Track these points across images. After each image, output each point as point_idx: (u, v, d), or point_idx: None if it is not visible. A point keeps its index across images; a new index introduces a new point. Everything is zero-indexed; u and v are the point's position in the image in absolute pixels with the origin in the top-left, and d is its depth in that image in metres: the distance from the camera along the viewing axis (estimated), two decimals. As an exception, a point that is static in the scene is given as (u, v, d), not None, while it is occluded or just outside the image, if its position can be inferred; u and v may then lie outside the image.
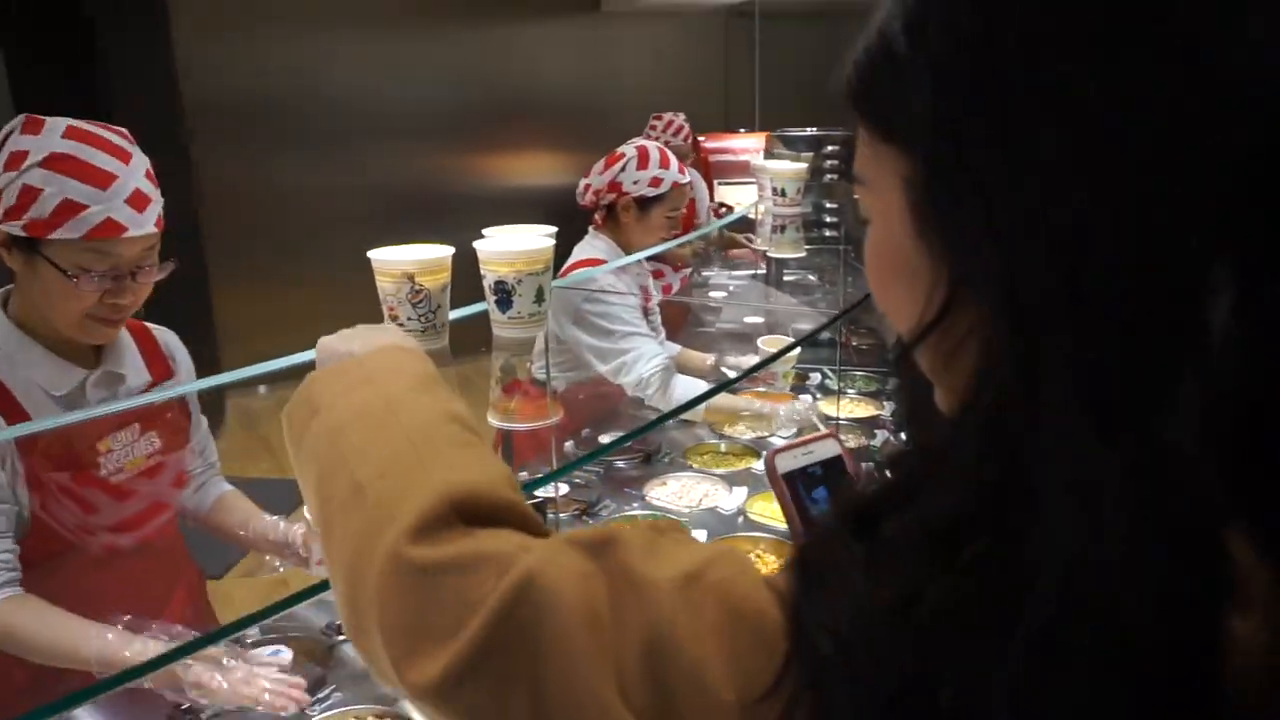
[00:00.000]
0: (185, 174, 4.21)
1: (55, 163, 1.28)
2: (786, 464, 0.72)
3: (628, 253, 2.38)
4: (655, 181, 2.35)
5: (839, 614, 0.44)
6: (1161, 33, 0.40)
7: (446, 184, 6.19)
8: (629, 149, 2.43)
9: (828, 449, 0.75)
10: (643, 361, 2.21)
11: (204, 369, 1.68)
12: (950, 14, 0.45)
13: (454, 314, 1.40)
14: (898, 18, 0.48)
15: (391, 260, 1.28)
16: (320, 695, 1.42)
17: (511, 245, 1.35)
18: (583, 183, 2.48)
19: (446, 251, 1.32)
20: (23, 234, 1.30)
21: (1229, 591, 0.38)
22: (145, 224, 1.34)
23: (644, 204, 2.34)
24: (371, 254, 1.30)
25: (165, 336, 1.63)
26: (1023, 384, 0.41)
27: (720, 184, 4.90)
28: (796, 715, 0.44)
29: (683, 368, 2.57)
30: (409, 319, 1.30)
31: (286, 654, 1.46)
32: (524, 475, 2.13)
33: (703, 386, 2.34)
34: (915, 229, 0.47)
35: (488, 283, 1.38)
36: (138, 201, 1.33)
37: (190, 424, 1.63)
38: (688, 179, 2.46)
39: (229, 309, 5.15)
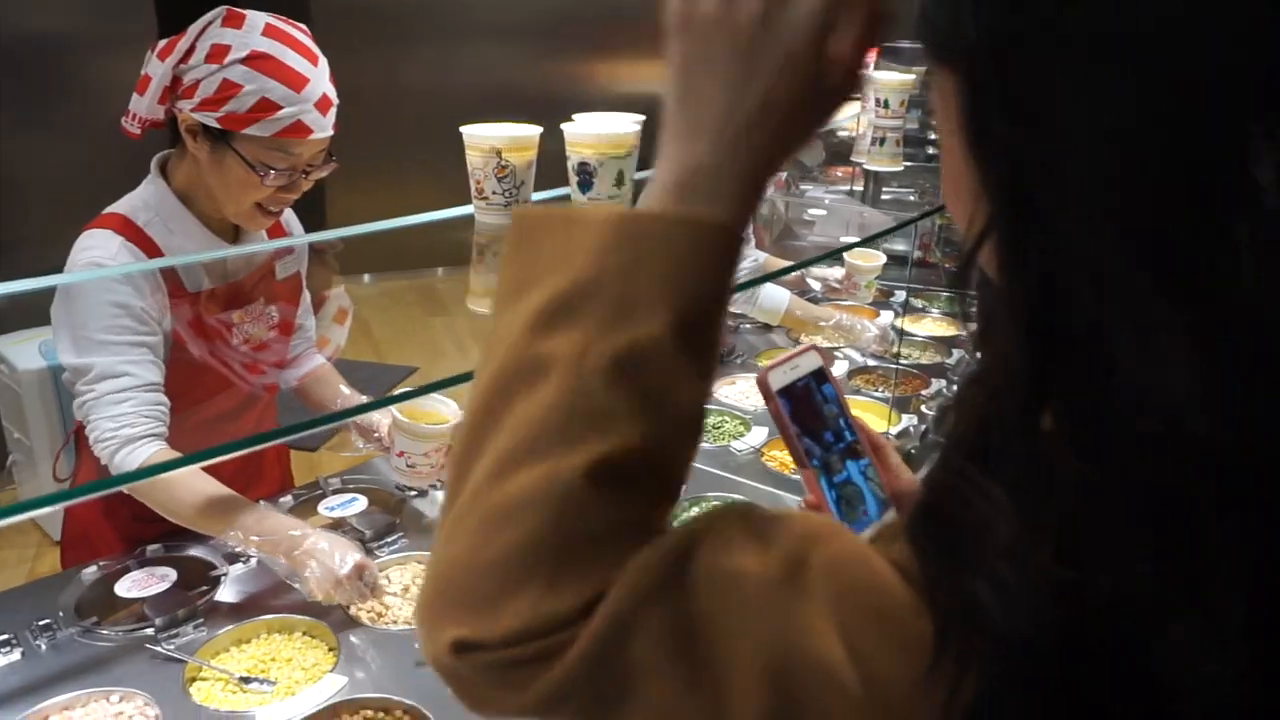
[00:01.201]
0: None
1: (257, 60, 1.32)
2: (779, 380, 0.75)
3: None
4: None
5: (994, 562, 0.43)
6: None
7: (553, 82, 6.20)
8: None
9: (811, 361, 0.78)
10: None
11: (339, 255, 1.77)
12: None
13: (540, 194, 1.46)
14: None
15: (481, 135, 1.34)
16: (388, 540, 1.54)
17: (595, 128, 1.38)
18: None
19: (534, 130, 1.37)
20: (216, 125, 1.34)
21: None
22: (327, 127, 1.40)
23: None
24: (464, 129, 1.36)
25: (285, 213, 1.67)
26: (1089, 269, 0.43)
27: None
28: (957, 699, 0.43)
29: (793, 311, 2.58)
30: (494, 193, 1.36)
31: (361, 501, 1.59)
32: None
33: (787, 295, 2.35)
34: (968, 142, 0.49)
35: (571, 164, 1.43)
36: (324, 105, 1.39)
37: (300, 298, 1.70)
38: None
39: (340, 203, 5.33)
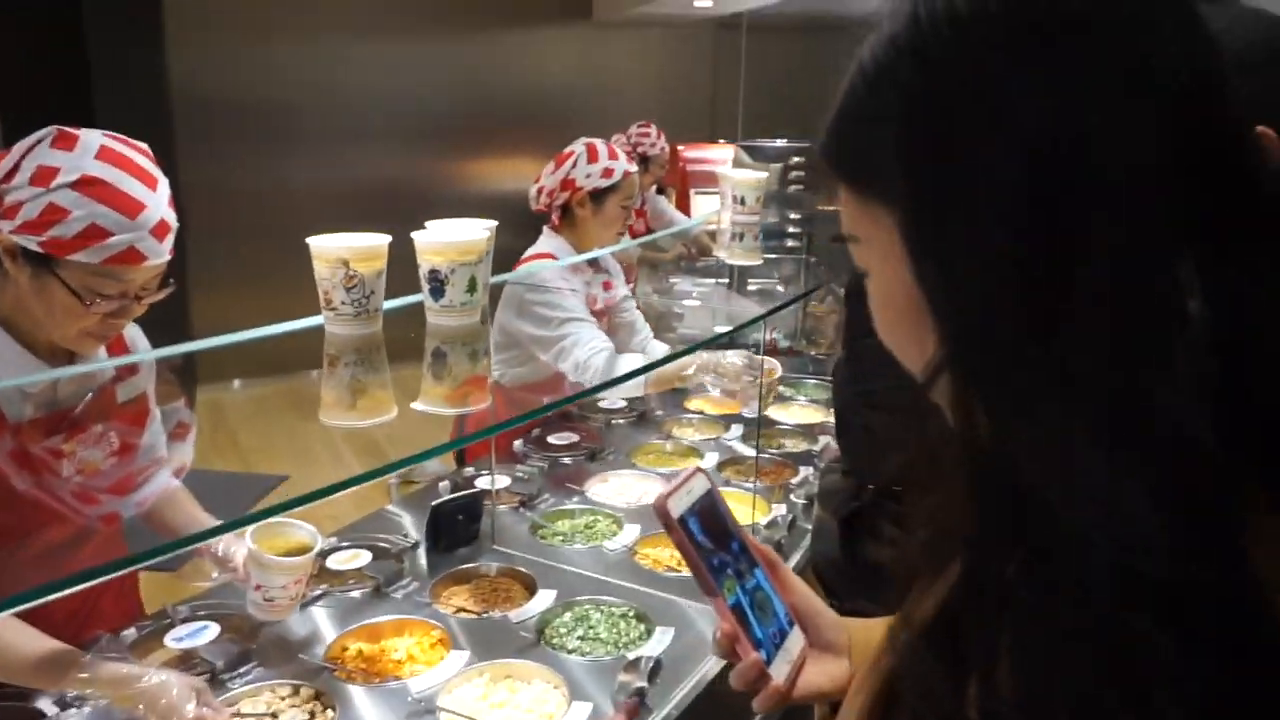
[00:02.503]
0: (170, 174, 4.25)
1: (87, 186, 1.25)
2: (678, 508, 0.74)
3: (581, 250, 2.41)
4: (607, 173, 2.36)
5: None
6: (1098, 64, 0.44)
7: (432, 187, 6.25)
8: (577, 146, 2.43)
9: (701, 484, 0.78)
10: (581, 346, 2.22)
11: (179, 369, 1.69)
12: (903, 72, 0.49)
13: (393, 303, 1.45)
14: (859, 81, 0.52)
15: (327, 246, 1.33)
16: (242, 670, 1.46)
17: (444, 235, 1.40)
18: (534, 187, 2.49)
19: (382, 240, 1.37)
20: (38, 249, 1.27)
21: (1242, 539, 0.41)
22: (163, 253, 1.34)
23: (598, 196, 2.37)
24: (310, 240, 1.35)
25: (130, 330, 1.60)
26: (1020, 411, 0.44)
27: (696, 193, 4.97)
28: None
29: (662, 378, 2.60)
30: (342, 303, 1.35)
31: (213, 629, 1.50)
32: (470, 470, 2.18)
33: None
34: (914, 271, 0.50)
35: (422, 271, 1.43)
36: (160, 231, 1.33)
37: (147, 420, 1.61)
38: (635, 167, 2.47)
39: (206, 309, 5.16)
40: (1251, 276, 0.43)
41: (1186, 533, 0.41)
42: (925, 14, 0.48)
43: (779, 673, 0.75)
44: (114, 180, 1.28)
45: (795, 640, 0.79)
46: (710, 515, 0.76)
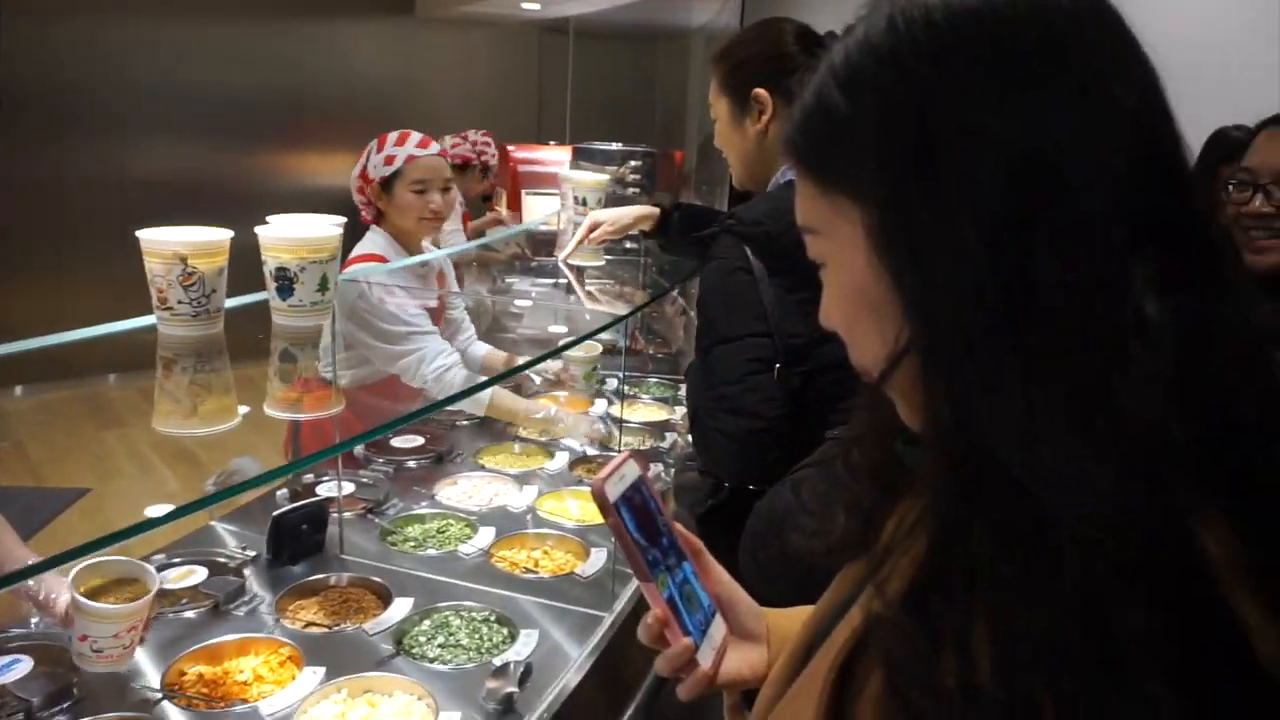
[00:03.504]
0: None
1: None
2: (614, 492, 0.73)
3: (404, 243, 2.34)
4: (389, 160, 2.28)
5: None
6: (1062, 80, 0.48)
7: (238, 177, 5.88)
8: (372, 141, 2.36)
9: (633, 469, 0.77)
10: (427, 363, 2.18)
11: None
12: (880, 77, 0.51)
13: (232, 302, 1.36)
14: (831, 82, 0.54)
15: (162, 240, 1.24)
16: (62, 705, 1.32)
17: (295, 231, 1.33)
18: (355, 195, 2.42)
19: (224, 235, 1.29)
20: None
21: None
22: None
23: (387, 185, 2.29)
24: (141, 233, 1.25)
25: None
26: (987, 398, 0.46)
27: (528, 194, 4.93)
28: None
29: (488, 369, 2.57)
30: (179, 302, 1.25)
31: (25, 662, 1.36)
32: (309, 477, 2.08)
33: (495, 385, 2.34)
34: (880, 269, 0.52)
35: (269, 269, 1.35)
36: None
37: None
38: (434, 151, 2.35)
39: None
40: (1201, 278, 0.48)
41: (1143, 509, 0.44)
42: (903, 22, 0.51)
43: (705, 659, 0.76)
44: None
45: (718, 628, 0.80)
46: (641, 501, 0.76)
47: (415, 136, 2.34)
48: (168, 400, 1.28)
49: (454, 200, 2.45)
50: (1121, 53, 0.50)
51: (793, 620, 0.86)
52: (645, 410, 2.78)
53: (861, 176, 0.52)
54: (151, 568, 1.34)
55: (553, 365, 2.64)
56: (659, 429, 2.60)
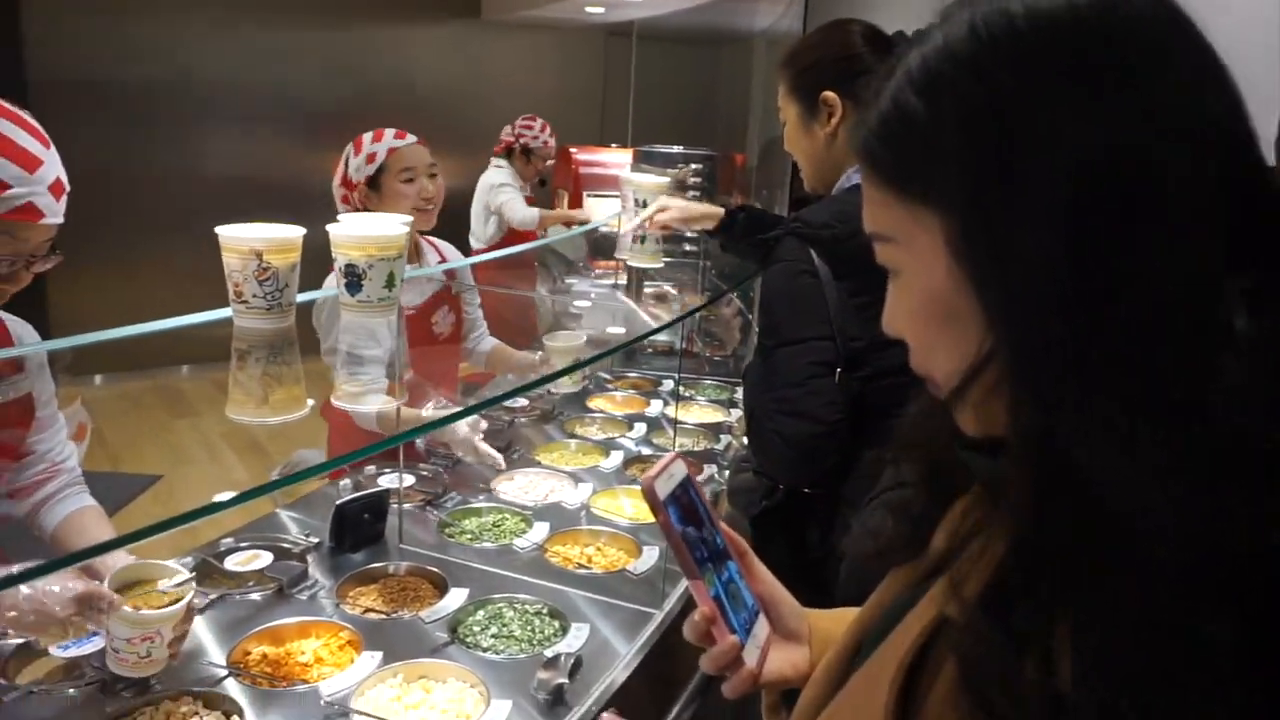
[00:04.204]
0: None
1: None
2: (663, 489, 0.75)
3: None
4: (370, 158, 2.27)
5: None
6: (1151, 87, 0.47)
7: (305, 176, 6.04)
8: (349, 146, 2.35)
9: (681, 469, 0.79)
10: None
11: (69, 368, 1.57)
12: (960, 83, 0.50)
13: (303, 296, 1.41)
14: (909, 88, 0.53)
15: (239, 236, 1.29)
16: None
17: (364, 229, 1.37)
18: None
19: (297, 232, 1.33)
20: None
21: None
22: (59, 213, 1.31)
23: (374, 183, 2.27)
24: (220, 229, 1.30)
25: (19, 329, 1.50)
26: (1072, 407, 0.46)
27: (589, 195, 4.98)
28: None
29: (500, 364, 2.60)
30: (254, 296, 1.30)
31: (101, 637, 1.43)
32: (371, 469, 2.14)
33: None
34: (960, 278, 0.51)
35: (339, 265, 1.40)
36: (57, 189, 1.30)
37: (31, 426, 1.50)
38: (412, 140, 2.32)
39: (64, 298, 4.84)
40: None
41: (1232, 520, 0.43)
42: (984, 27, 0.50)
43: (750, 657, 0.76)
44: (10, 134, 1.25)
45: (762, 627, 0.80)
46: (689, 501, 0.77)
47: (390, 131, 2.32)
48: (240, 390, 1.32)
49: (443, 188, 2.37)
50: (1204, 60, 0.50)
51: (834, 621, 0.86)
52: (701, 412, 2.80)
53: (941, 183, 0.52)
54: (193, 585, 1.36)
55: (535, 356, 2.62)
56: (714, 431, 2.61)
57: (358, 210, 2.32)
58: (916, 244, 0.54)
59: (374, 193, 2.28)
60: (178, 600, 1.32)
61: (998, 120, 0.49)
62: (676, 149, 4.58)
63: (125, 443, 4.59)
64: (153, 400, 5.24)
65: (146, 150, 5.53)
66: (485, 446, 2.11)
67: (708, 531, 0.78)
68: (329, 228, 1.39)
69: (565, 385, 2.52)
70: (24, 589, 1.21)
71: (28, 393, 1.47)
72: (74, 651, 1.40)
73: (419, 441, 2.30)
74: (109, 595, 1.25)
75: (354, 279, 1.39)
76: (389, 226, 1.41)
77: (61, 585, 1.22)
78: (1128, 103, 0.47)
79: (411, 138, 2.33)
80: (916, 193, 0.53)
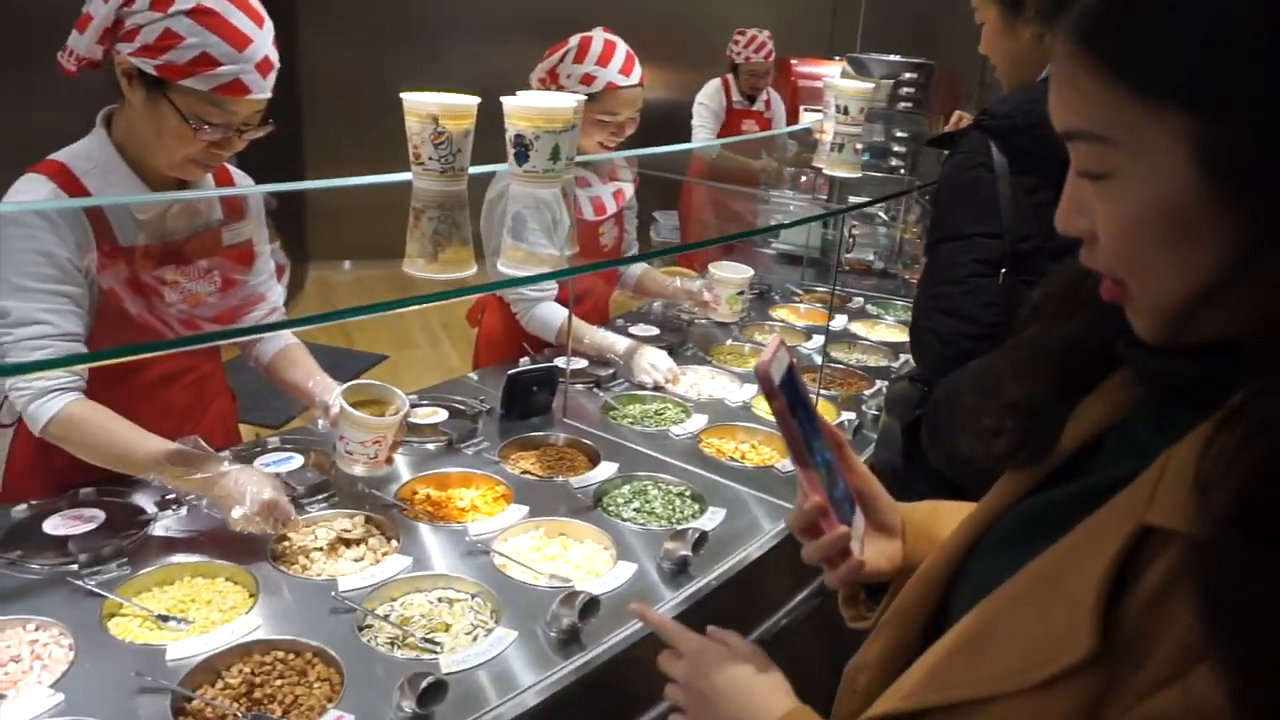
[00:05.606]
0: (289, 60, 4.39)
1: (202, 15, 1.34)
2: (777, 374, 0.72)
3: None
4: (587, 79, 2.07)
5: None
6: None
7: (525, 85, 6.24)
8: (574, 38, 2.12)
9: (785, 356, 0.76)
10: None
11: (291, 248, 1.74)
12: None
13: (480, 167, 1.50)
14: None
15: (419, 101, 1.38)
16: (319, 498, 1.57)
17: (531, 101, 1.43)
18: (533, 75, 2.21)
19: (471, 100, 1.41)
20: (153, 72, 1.36)
21: None
22: (266, 89, 1.43)
23: None
24: (404, 95, 1.40)
25: (242, 179, 1.70)
26: None
27: (805, 109, 4.84)
28: None
29: (652, 289, 2.54)
30: (430, 158, 1.40)
31: (296, 459, 1.62)
32: (549, 350, 2.24)
33: (562, 315, 2.22)
34: (1208, 186, 0.47)
35: (509, 136, 1.47)
36: (265, 67, 1.42)
37: (253, 269, 1.69)
38: (635, 80, 2.12)
39: (320, 192, 5.35)
40: None
41: None
42: None
43: (855, 547, 0.75)
44: (225, 13, 1.37)
45: (859, 520, 0.79)
46: (795, 389, 0.74)
47: (619, 56, 2.10)
48: (414, 246, 1.44)
49: (635, 122, 2.20)
50: None
51: (927, 515, 0.84)
52: (885, 331, 2.72)
53: (1204, 86, 0.45)
54: (405, 398, 1.56)
55: (695, 285, 2.47)
56: (892, 349, 2.53)
57: None
58: (1145, 147, 0.49)
59: None
60: (398, 412, 1.53)
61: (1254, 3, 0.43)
62: (892, 57, 4.34)
63: (359, 324, 5.07)
64: (385, 287, 5.72)
65: (395, 58, 5.91)
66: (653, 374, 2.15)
67: (813, 420, 0.75)
68: (502, 99, 1.46)
69: (725, 314, 2.49)
70: (233, 475, 1.38)
71: (248, 239, 1.66)
72: (274, 469, 1.59)
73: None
74: (289, 510, 1.41)
75: (522, 149, 1.46)
76: (557, 99, 1.46)
77: (259, 487, 1.38)
78: None
79: (636, 75, 2.13)
80: (1160, 91, 0.47)
